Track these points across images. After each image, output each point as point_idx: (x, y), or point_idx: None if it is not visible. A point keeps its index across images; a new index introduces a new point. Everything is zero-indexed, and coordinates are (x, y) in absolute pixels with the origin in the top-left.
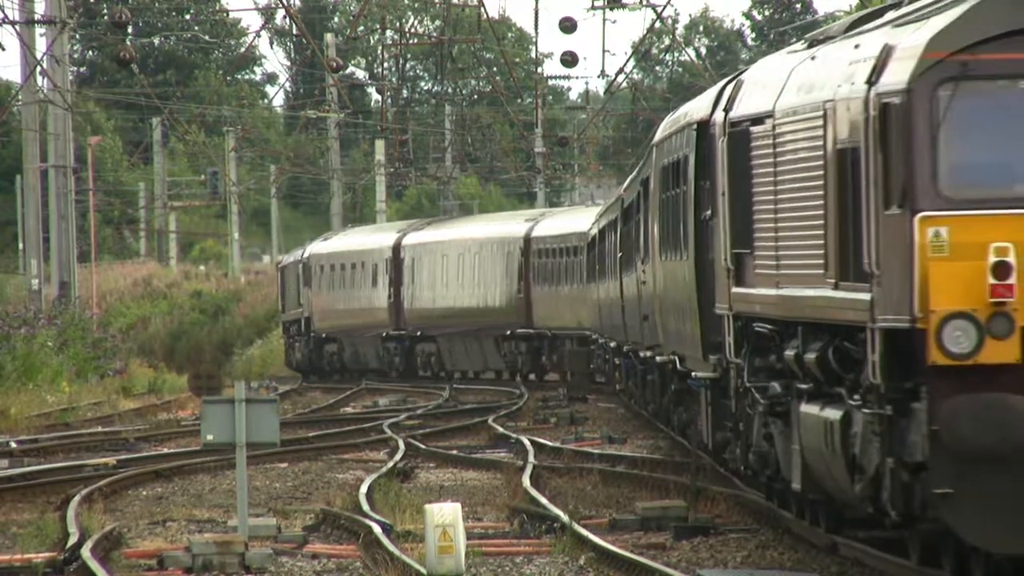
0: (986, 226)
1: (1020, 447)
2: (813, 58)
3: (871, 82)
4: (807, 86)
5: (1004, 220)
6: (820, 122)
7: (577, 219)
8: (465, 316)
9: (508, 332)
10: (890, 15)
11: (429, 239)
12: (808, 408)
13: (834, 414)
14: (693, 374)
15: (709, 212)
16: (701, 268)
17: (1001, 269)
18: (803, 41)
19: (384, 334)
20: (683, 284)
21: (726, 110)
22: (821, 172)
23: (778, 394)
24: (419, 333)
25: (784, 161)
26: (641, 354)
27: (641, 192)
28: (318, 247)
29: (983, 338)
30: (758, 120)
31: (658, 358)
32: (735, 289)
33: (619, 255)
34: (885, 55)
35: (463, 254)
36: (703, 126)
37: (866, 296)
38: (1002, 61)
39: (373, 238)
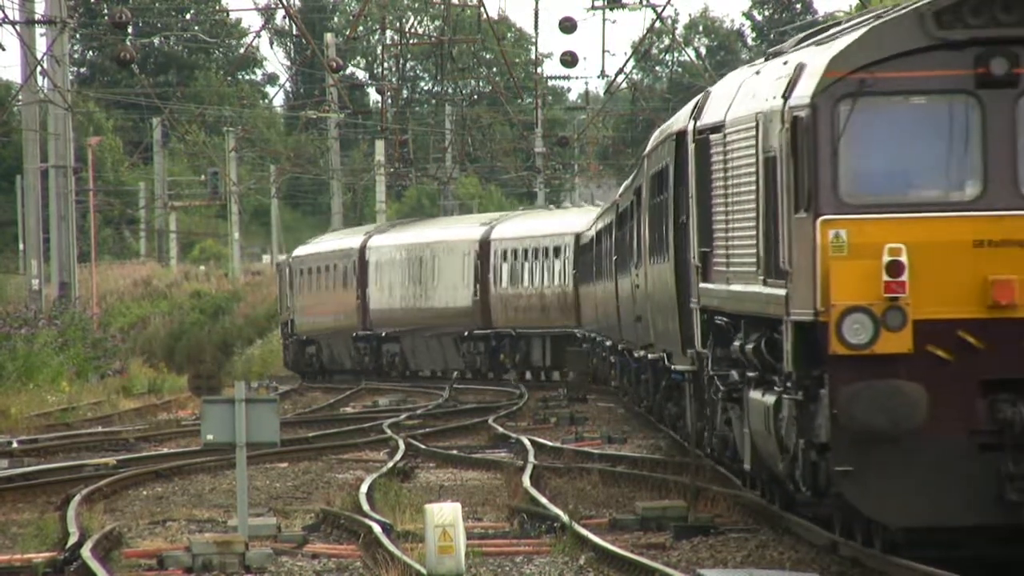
0: (881, 229)
1: (911, 430)
2: (758, 72)
3: (786, 97)
4: (747, 99)
5: (897, 223)
6: (754, 132)
7: (538, 223)
8: (425, 317)
9: (466, 333)
10: (833, 31)
11: (391, 242)
12: (754, 394)
13: (770, 399)
14: (673, 366)
15: (685, 216)
16: (680, 268)
17: (894, 267)
18: (763, 56)
19: (354, 334)
20: (666, 284)
21: (695, 120)
22: (754, 178)
23: (734, 381)
24: (384, 333)
25: (731, 167)
26: (635, 353)
27: (634, 200)
28: (300, 251)
29: (879, 330)
30: (715, 129)
31: (650, 356)
32: (701, 284)
33: (614, 258)
34: (798, 72)
35: (422, 256)
36: (681, 136)
37: (782, 292)
38: (896, 79)
39: (344, 241)
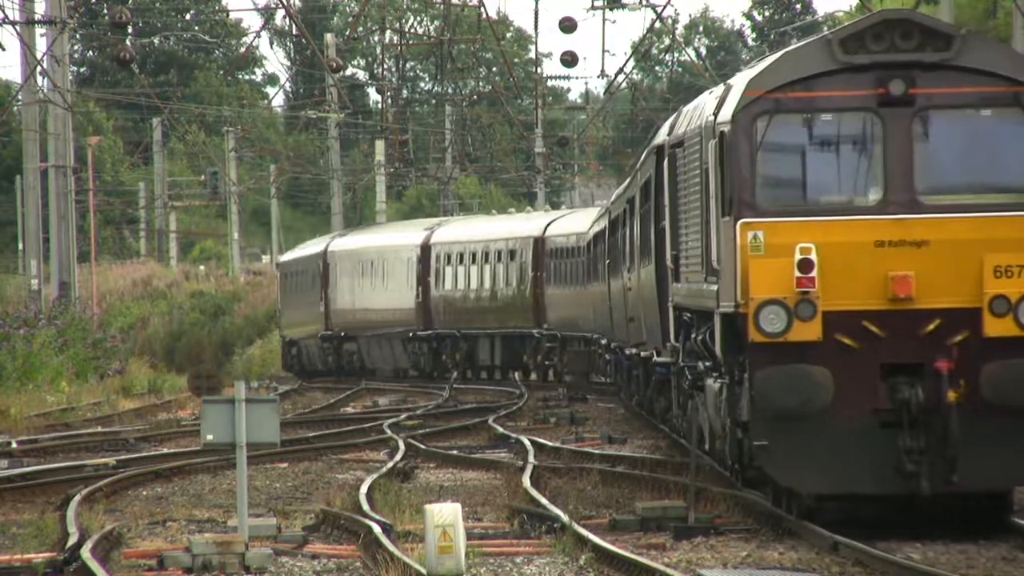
0: (793, 231)
1: (818, 409)
2: (710, 92)
3: (716, 114)
4: (698, 116)
5: (807, 226)
6: (699, 146)
7: (481, 227)
8: (375, 318)
9: (410, 333)
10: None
11: (347, 246)
12: (709, 381)
13: (717, 385)
14: (653, 359)
15: (664, 223)
16: (660, 270)
17: (805, 265)
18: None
19: (320, 335)
20: (649, 286)
21: (669, 135)
22: (699, 187)
23: (698, 371)
24: (343, 334)
25: (687, 177)
26: (627, 351)
27: (627, 208)
28: (284, 257)
29: (791, 320)
30: (680, 144)
31: (642, 353)
32: (673, 284)
33: (607, 262)
34: (726, 93)
35: (374, 260)
36: (660, 149)
37: (715, 287)
38: (806, 99)
39: (312, 247)
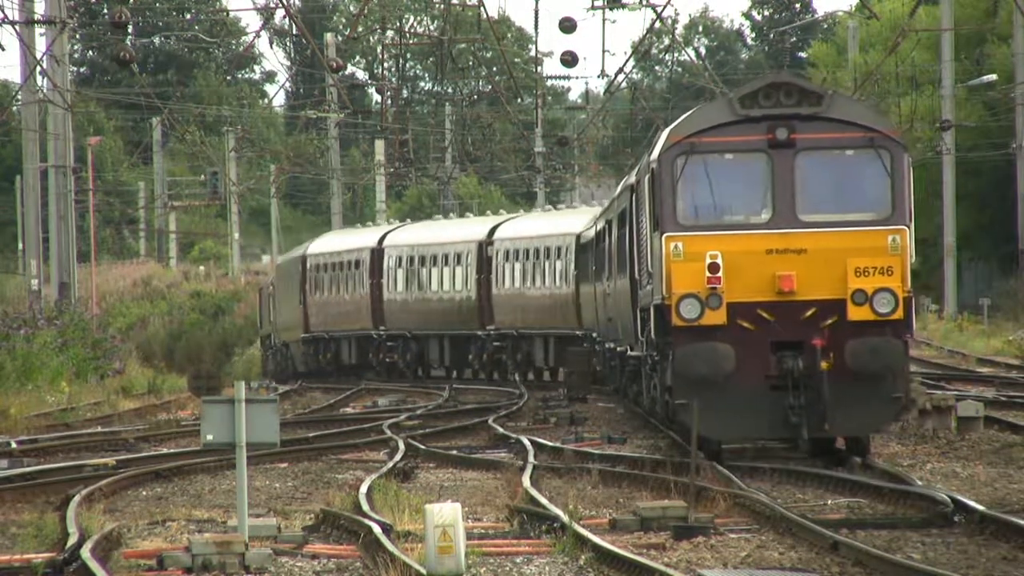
0: (704, 242)
1: (724, 376)
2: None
3: (649, 154)
4: (649, 153)
5: (715, 238)
6: (649, 177)
7: (341, 239)
8: (287, 327)
9: (300, 336)
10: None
11: (281, 261)
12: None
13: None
14: (628, 352)
15: (635, 244)
16: (633, 281)
17: (713, 267)
18: None
19: (274, 343)
20: (625, 294)
21: (636, 173)
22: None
23: (655, 357)
24: (283, 341)
25: (641, 205)
26: (607, 345)
27: (606, 228)
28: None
29: (704, 309)
30: (640, 181)
31: (619, 349)
32: (639, 291)
33: (593, 269)
34: (658, 138)
35: (291, 274)
36: (632, 185)
37: (651, 287)
38: (714, 142)
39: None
